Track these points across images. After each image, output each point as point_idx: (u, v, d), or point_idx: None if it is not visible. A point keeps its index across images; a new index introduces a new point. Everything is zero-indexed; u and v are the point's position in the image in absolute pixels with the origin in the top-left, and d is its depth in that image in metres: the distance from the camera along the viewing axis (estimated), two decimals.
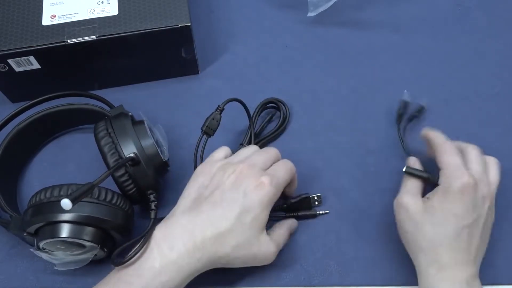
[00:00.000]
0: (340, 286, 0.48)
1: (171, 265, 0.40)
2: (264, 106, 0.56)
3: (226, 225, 0.41)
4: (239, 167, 0.43)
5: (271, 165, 0.45)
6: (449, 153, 0.44)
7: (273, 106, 0.57)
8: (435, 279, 0.41)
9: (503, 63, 0.61)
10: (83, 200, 0.40)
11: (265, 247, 0.43)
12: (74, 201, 0.36)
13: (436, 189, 0.43)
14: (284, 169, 0.45)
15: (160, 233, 0.42)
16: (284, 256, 0.49)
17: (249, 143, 0.53)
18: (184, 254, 0.40)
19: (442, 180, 0.43)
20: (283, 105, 0.57)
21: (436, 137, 0.46)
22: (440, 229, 0.42)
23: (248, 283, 0.48)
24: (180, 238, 0.41)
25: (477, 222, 0.42)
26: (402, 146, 0.54)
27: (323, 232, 0.51)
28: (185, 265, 0.41)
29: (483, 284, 0.46)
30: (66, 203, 0.36)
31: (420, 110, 0.57)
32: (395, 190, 0.52)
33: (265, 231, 0.43)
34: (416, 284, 0.44)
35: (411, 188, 0.45)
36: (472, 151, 0.46)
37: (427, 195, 0.44)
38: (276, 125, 0.56)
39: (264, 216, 0.42)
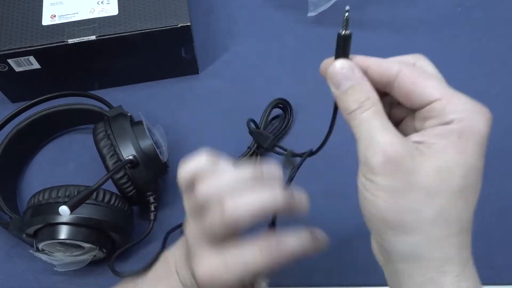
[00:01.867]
0: (340, 286, 0.48)
1: None
2: (273, 106, 0.56)
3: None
4: (193, 226, 0.32)
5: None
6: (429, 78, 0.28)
7: (280, 106, 0.57)
8: None
9: (503, 63, 0.61)
10: None
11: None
12: (72, 208, 0.36)
13: (442, 128, 0.26)
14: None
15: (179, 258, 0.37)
16: None
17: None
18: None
19: (447, 113, 0.26)
20: (289, 106, 0.56)
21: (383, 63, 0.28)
22: (465, 194, 0.26)
23: None
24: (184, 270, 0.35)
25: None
26: None
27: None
28: None
29: (483, 284, 0.46)
30: (64, 210, 0.36)
31: None
32: None
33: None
34: None
35: (382, 123, 0.27)
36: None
37: (413, 137, 0.27)
38: (282, 125, 0.56)
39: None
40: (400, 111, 0.30)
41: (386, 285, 0.48)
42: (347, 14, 0.30)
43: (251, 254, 0.31)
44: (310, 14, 0.61)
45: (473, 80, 0.60)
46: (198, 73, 0.61)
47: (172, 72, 0.60)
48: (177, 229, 0.50)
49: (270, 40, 0.64)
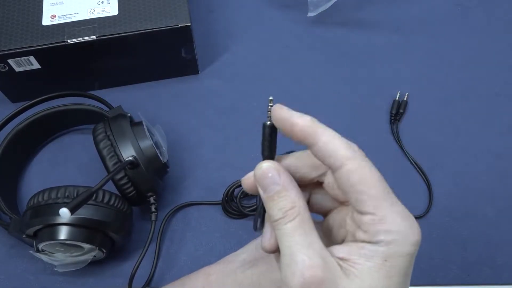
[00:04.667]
0: None
1: None
2: None
3: None
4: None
5: None
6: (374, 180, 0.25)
7: None
8: None
9: (503, 63, 0.61)
10: None
11: None
12: (72, 210, 0.36)
13: (371, 248, 0.24)
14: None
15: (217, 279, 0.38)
16: None
17: None
18: None
19: (380, 232, 0.24)
20: None
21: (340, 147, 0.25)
22: None
23: None
24: None
25: None
26: (400, 146, 0.54)
27: None
28: None
29: (483, 284, 0.46)
30: (65, 212, 0.36)
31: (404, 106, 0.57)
32: (395, 190, 0.52)
33: None
34: (414, 283, 0.44)
35: (304, 240, 0.25)
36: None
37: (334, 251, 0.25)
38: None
39: None
40: (332, 200, 0.28)
41: None
42: (270, 104, 0.27)
43: None
44: (310, 14, 0.61)
45: (473, 80, 0.60)
46: (198, 73, 0.61)
47: (172, 72, 0.60)
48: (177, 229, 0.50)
49: (270, 40, 0.64)
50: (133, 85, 0.60)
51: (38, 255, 0.44)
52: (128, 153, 0.44)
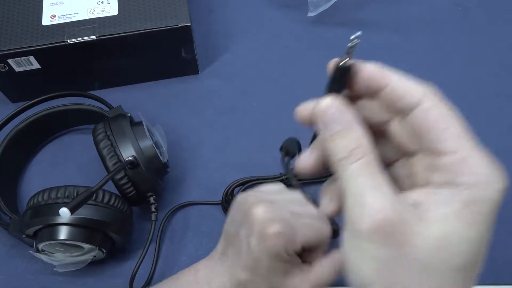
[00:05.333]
0: (340, 286, 0.48)
1: None
2: None
3: (245, 276, 0.35)
4: (255, 209, 0.34)
5: (298, 213, 0.35)
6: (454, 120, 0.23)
7: None
8: None
9: (503, 63, 0.61)
10: None
11: None
12: (72, 210, 0.36)
13: (449, 191, 0.22)
14: (308, 227, 0.34)
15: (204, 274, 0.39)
16: None
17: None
18: None
19: (459, 173, 0.22)
20: None
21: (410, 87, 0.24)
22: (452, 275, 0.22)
23: None
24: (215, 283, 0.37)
25: None
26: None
27: None
28: None
29: (483, 284, 0.46)
30: (65, 212, 0.36)
31: None
32: None
33: (293, 272, 0.35)
34: None
35: (374, 183, 0.22)
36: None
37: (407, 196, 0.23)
38: None
39: (278, 265, 0.34)
40: (395, 151, 0.25)
41: None
42: (356, 41, 0.24)
43: (330, 274, 0.35)
44: (310, 14, 0.61)
45: (473, 80, 0.60)
46: (198, 73, 0.61)
47: (172, 72, 0.60)
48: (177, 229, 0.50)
49: (270, 40, 0.64)
50: (133, 85, 0.60)
51: (38, 255, 0.44)
52: (128, 153, 0.44)
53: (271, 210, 0.33)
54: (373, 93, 0.24)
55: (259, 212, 0.33)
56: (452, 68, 0.61)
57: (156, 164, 0.46)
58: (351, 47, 0.24)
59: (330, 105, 0.23)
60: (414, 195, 0.22)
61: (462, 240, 0.21)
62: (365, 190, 0.22)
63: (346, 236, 0.23)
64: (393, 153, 0.26)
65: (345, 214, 0.23)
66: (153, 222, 0.46)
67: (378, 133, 0.25)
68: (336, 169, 0.23)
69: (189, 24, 0.53)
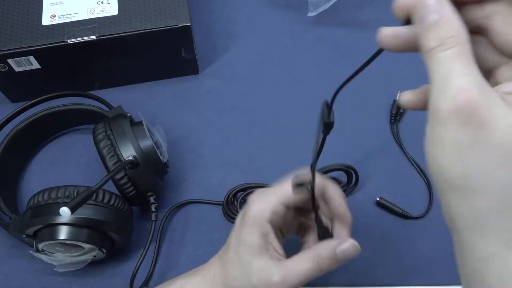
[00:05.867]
0: (340, 286, 0.48)
1: None
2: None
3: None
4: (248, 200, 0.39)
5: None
6: None
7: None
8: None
9: None
10: None
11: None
12: (73, 209, 0.36)
13: None
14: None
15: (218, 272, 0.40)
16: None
17: None
18: None
19: None
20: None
21: None
22: None
23: None
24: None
25: None
26: (400, 146, 0.54)
27: None
28: None
29: None
30: (65, 211, 0.36)
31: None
32: (395, 190, 0.52)
33: (266, 256, 0.36)
34: (415, 283, 0.44)
35: (463, 67, 0.22)
36: None
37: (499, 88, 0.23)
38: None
39: (255, 240, 0.37)
40: (493, 57, 0.25)
41: (386, 284, 0.48)
42: None
43: (308, 268, 0.35)
44: (310, 14, 0.61)
45: None
46: (198, 73, 0.61)
47: (172, 72, 0.60)
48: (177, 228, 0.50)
49: (270, 40, 0.64)
50: (133, 85, 0.60)
51: (38, 255, 0.44)
52: (128, 152, 0.44)
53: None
54: None
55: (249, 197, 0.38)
56: None
57: (156, 164, 0.46)
58: None
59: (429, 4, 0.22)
60: (507, 87, 0.22)
61: None
62: (453, 74, 0.21)
63: (429, 125, 0.23)
64: (494, 57, 0.25)
65: (429, 102, 0.22)
66: (153, 222, 0.46)
67: (475, 34, 0.24)
68: (425, 61, 0.23)
69: (189, 24, 0.53)
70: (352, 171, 0.50)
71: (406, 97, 0.28)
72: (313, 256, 0.36)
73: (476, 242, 0.23)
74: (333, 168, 0.50)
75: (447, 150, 0.22)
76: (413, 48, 0.25)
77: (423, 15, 0.22)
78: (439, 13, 0.22)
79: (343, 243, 0.35)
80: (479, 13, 0.23)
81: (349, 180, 0.51)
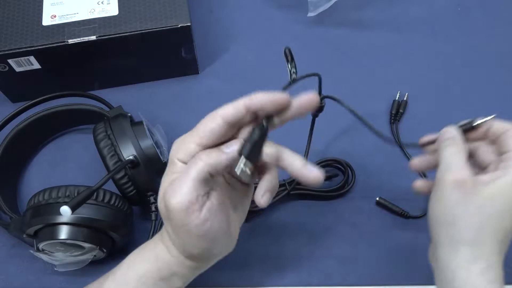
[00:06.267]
0: (340, 286, 0.48)
1: None
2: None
3: None
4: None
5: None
6: None
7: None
8: (480, 280, 0.33)
9: (503, 63, 0.61)
10: None
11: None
12: (73, 208, 0.36)
13: (495, 174, 0.35)
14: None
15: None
16: (284, 256, 0.49)
17: None
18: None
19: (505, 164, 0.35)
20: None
21: (495, 124, 0.39)
22: (499, 219, 0.34)
23: (248, 283, 0.48)
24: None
25: None
26: (400, 146, 0.54)
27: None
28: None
29: None
30: (65, 210, 0.36)
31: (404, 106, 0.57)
32: (395, 191, 0.52)
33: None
34: (414, 283, 0.44)
35: (461, 160, 0.36)
36: None
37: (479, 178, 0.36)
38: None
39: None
40: (489, 155, 0.38)
41: (386, 284, 0.48)
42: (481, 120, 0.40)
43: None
44: (310, 14, 0.61)
45: (473, 80, 0.60)
46: (198, 73, 0.61)
47: (172, 72, 0.60)
48: None
49: (270, 40, 0.64)
50: (133, 85, 0.60)
51: (38, 254, 0.44)
52: (128, 152, 0.45)
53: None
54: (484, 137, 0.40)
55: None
56: (452, 68, 0.61)
57: (156, 164, 0.46)
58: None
59: (448, 130, 0.39)
60: (482, 176, 0.35)
61: (508, 197, 0.34)
62: (453, 159, 0.36)
63: (434, 189, 0.37)
64: (488, 156, 0.39)
65: (437, 175, 0.36)
66: (153, 222, 0.46)
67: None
68: (440, 151, 0.37)
69: (189, 24, 0.53)
70: (347, 167, 0.51)
71: (416, 164, 0.43)
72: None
73: (449, 257, 0.35)
74: (325, 160, 0.51)
75: (443, 204, 0.36)
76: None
77: (442, 139, 0.38)
78: (453, 137, 0.38)
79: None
80: (471, 145, 0.39)
81: (344, 174, 0.52)
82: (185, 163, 0.36)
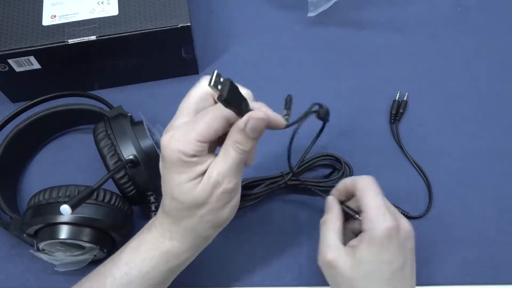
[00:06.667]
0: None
1: None
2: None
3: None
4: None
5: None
6: (373, 194, 0.41)
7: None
8: None
9: (503, 63, 0.61)
10: None
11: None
12: (73, 207, 0.36)
13: (361, 236, 0.39)
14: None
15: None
16: (284, 256, 0.49)
17: None
18: None
19: (366, 224, 0.39)
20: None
21: (356, 179, 0.43)
22: (374, 281, 0.38)
23: (248, 282, 0.48)
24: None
25: (405, 263, 0.39)
26: (400, 146, 0.54)
27: None
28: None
29: (483, 284, 0.46)
30: (65, 209, 0.36)
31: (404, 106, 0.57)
32: (395, 191, 0.52)
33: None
34: (416, 283, 0.44)
35: (333, 239, 0.40)
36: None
37: (350, 243, 0.40)
38: None
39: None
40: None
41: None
42: None
43: (231, 156, 0.36)
44: (310, 14, 0.62)
45: (473, 80, 0.60)
46: (198, 73, 0.61)
47: (172, 72, 0.60)
48: None
49: (270, 40, 0.64)
50: (133, 85, 0.60)
51: (38, 254, 0.44)
52: (128, 152, 0.45)
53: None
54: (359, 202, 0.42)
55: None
56: (452, 68, 0.61)
57: (156, 164, 0.46)
58: None
59: (330, 200, 0.44)
60: (352, 242, 0.40)
61: (367, 262, 0.38)
62: (326, 238, 0.41)
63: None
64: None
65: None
66: None
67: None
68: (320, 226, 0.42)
69: (189, 24, 0.53)
70: (344, 164, 0.51)
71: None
72: (230, 144, 0.35)
73: None
74: (322, 155, 0.52)
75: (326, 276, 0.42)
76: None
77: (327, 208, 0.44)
78: (332, 208, 0.44)
79: (243, 117, 0.35)
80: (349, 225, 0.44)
81: (336, 169, 0.52)
82: (191, 156, 0.35)
